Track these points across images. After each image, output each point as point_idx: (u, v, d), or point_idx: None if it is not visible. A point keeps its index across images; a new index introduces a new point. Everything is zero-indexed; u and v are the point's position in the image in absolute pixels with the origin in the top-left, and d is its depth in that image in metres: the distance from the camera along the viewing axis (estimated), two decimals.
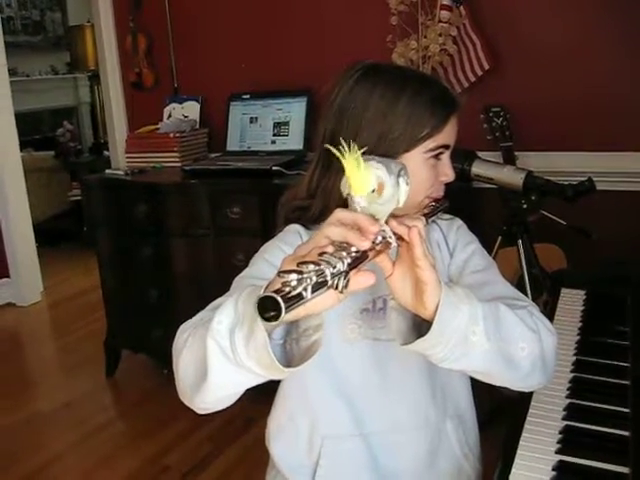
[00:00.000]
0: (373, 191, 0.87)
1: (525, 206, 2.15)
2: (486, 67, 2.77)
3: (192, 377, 0.95)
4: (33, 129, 7.14)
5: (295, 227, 1.21)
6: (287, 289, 0.73)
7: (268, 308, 0.73)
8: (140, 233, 3.17)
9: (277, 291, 0.73)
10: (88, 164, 6.05)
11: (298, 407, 1.26)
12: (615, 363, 1.39)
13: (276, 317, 0.73)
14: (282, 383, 1.30)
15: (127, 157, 3.57)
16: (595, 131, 2.70)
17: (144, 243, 3.15)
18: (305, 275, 0.74)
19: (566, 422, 1.20)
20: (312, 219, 1.18)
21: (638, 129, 2.65)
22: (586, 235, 2.18)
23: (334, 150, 0.83)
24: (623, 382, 1.32)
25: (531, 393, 1.28)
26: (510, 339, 0.99)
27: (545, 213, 2.16)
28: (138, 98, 3.82)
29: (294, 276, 0.74)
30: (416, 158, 1.13)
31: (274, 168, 2.89)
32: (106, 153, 5.27)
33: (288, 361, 0.88)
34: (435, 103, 1.13)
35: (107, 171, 3.47)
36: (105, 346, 3.49)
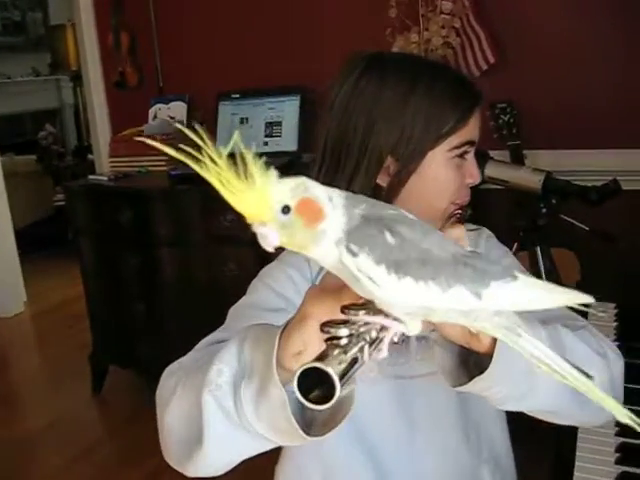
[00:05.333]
0: (286, 211, 0.57)
1: (544, 210, 1.99)
2: (491, 61, 2.62)
3: (182, 440, 0.79)
4: (15, 133, 6.95)
5: None
6: (336, 352, 0.54)
7: (311, 385, 0.54)
8: (126, 242, 3.00)
9: (322, 357, 0.54)
10: (72, 168, 5.90)
11: (309, 458, 1.08)
12: None
13: (328, 399, 0.53)
14: None
15: (111, 161, 3.42)
16: (609, 127, 2.55)
17: (130, 253, 2.99)
18: (363, 328, 0.55)
19: (622, 467, 1.03)
20: None
21: None
22: (609, 240, 2.01)
23: (193, 165, 0.54)
24: None
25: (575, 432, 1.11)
26: None
27: (565, 218, 2.00)
28: (122, 98, 3.64)
29: (344, 331, 0.55)
30: (439, 158, 0.97)
31: None
32: (90, 156, 5.09)
33: (308, 422, 0.71)
34: (456, 93, 0.98)
35: (90, 177, 3.31)
36: (90, 362, 3.33)
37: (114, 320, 3.19)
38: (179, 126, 0.57)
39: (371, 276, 0.57)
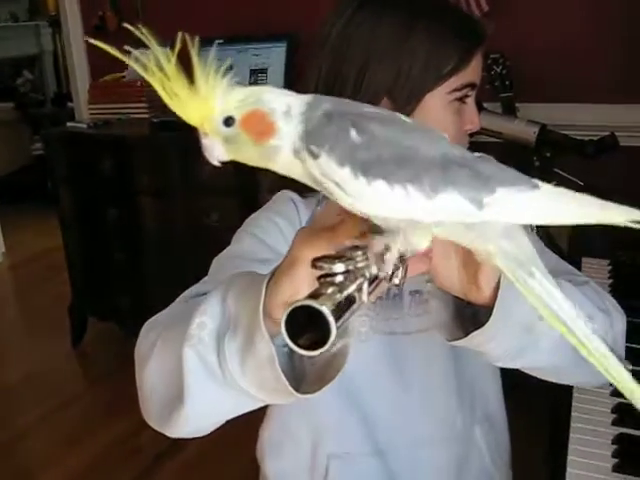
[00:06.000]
0: (229, 123, 0.51)
1: (537, 164, 1.92)
2: (485, 9, 2.53)
3: (161, 399, 0.73)
4: None
5: (287, 194, 0.98)
6: (330, 291, 0.47)
7: (301, 330, 0.47)
8: (106, 191, 2.93)
9: (314, 296, 0.47)
10: (51, 116, 5.76)
11: (297, 419, 1.03)
12: None
13: (321, 344, 0.47)
14: None
15: (90, 108, 3.31)
16: (607, 80, 2.47)
17: (110, 202, 2.92)
18: (361, 264, 0.48)
19: (619, 429, 0.99)
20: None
21: None
22: (606, 197, 1.95)
23: (139, 69, 0.51)
24: None
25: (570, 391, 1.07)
26: None
27: (559, 172, 1.94)
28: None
29: (340, 267, 0.48)
30: (438, 101, 0.90)
31: None
32: (70, 104, 4.96)
33: (298, 378, 0.66)
34: (458, 31, 0.90)
35: (69, 124, 3.22)
36: (70, 313, 3.27)
37: (93, 271, 3.13)
38: (127, 25, 0.52)
39: (336, 180, 0.50)
